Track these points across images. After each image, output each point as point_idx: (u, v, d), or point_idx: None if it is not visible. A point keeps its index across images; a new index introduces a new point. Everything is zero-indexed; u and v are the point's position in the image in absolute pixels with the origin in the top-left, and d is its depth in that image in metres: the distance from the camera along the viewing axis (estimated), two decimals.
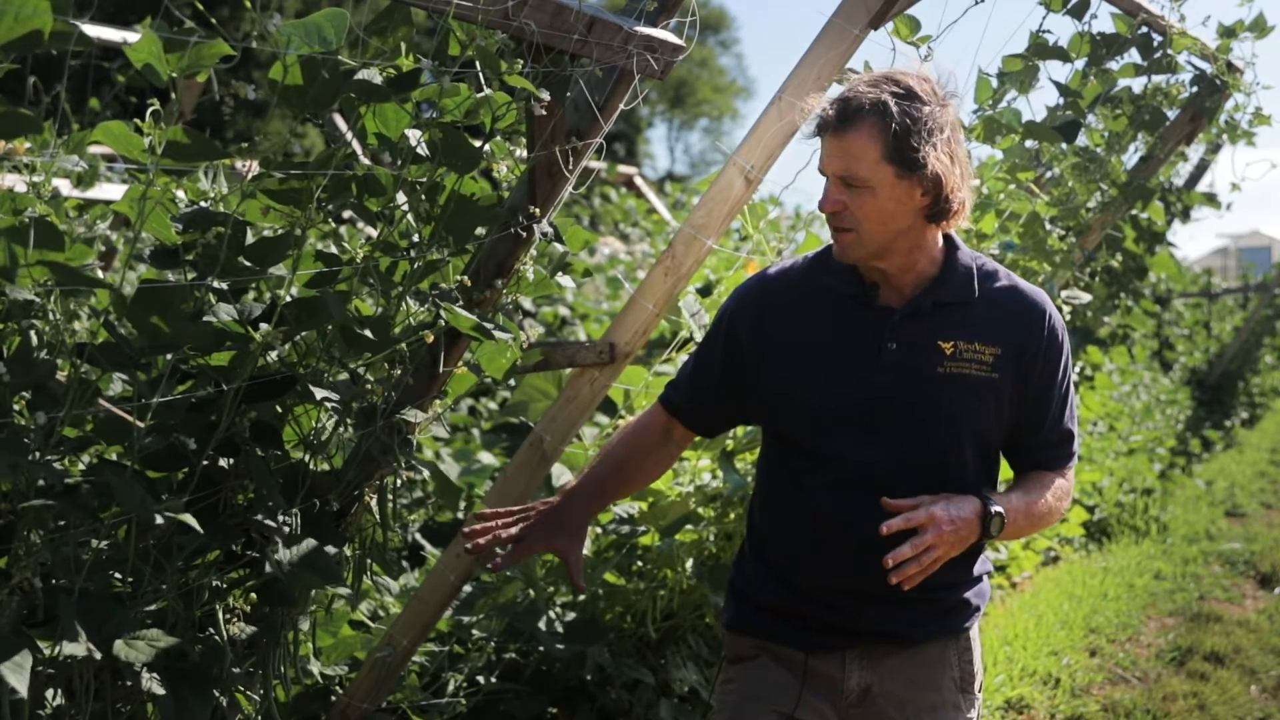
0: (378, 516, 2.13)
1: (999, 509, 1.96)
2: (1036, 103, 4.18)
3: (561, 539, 2.08)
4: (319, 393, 1.89)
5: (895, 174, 1.92)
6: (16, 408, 1.65)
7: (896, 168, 1.91)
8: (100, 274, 2.90)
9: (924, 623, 2.06)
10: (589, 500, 2.16)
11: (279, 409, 1.96)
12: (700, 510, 3.33)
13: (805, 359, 2.05)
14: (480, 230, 2.09)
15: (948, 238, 2.06)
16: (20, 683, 1.43)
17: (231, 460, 1.89)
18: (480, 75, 1.90)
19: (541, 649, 3.18)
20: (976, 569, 2.12)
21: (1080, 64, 3.96)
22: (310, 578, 1.88)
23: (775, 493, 2.14)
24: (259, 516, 1.87)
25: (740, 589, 2.19)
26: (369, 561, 2.16)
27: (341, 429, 2.03)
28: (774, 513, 2.15)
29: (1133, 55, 4.08)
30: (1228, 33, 4.31)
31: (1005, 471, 2.16)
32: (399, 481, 2.13)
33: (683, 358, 3.21)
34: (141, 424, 1.69)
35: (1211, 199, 6.01)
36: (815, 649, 2.09)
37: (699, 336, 3.01)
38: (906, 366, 2.01)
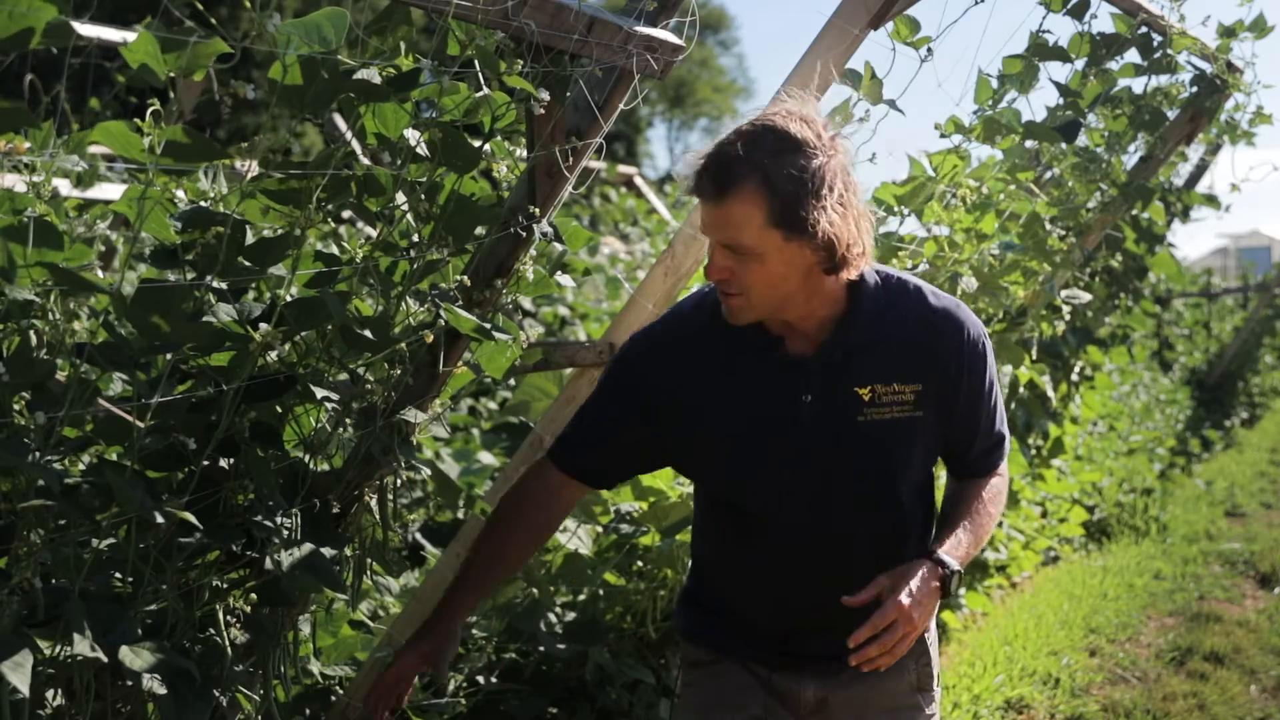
0: (378, 516, 2.13)
1: (956, 566, 1.89)
2: (1036, 103, 4.18)
3: (425, 646, 2.05)
4: (319, 393, 1.88)
5: (783, 238, 1.77)
6: (16, 408, 1.65)
7: (784, 232, 1.76)
8: (100, 274, 2.90)
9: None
10: (464, 606, 2.11)
11: (279, 409, 1.96)
12: None
13: (720, 419, 1.96)
14: (480, 230, 2.09)
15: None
16: (22, 681, 1.43)
17: (231, 460, 1.89)
18: (480, 75, 1.90)
19: (542, 649, 3.18)
20: None
21: (1080, 64, 3.96)
22: (310, 579, 1.88)
23: (712, 538, 2.12)
24: (259, 517, 1.87)
25: (697, 597, 2.18)
26: (369, 561, 2.16)
27: (341, 429, 2.03)
28: (713, 557, 2.13)
29: (1133, 55, 4.09)
30: (1228, 33, 4.31)
31: None
32: (399, 481, 2.13)
33: None
34: (141, 424, 1.68)
35: (1211, 199, 6.02)
36: (774, 668, 2.09)
37: None
38: (826, 418, 1.92)
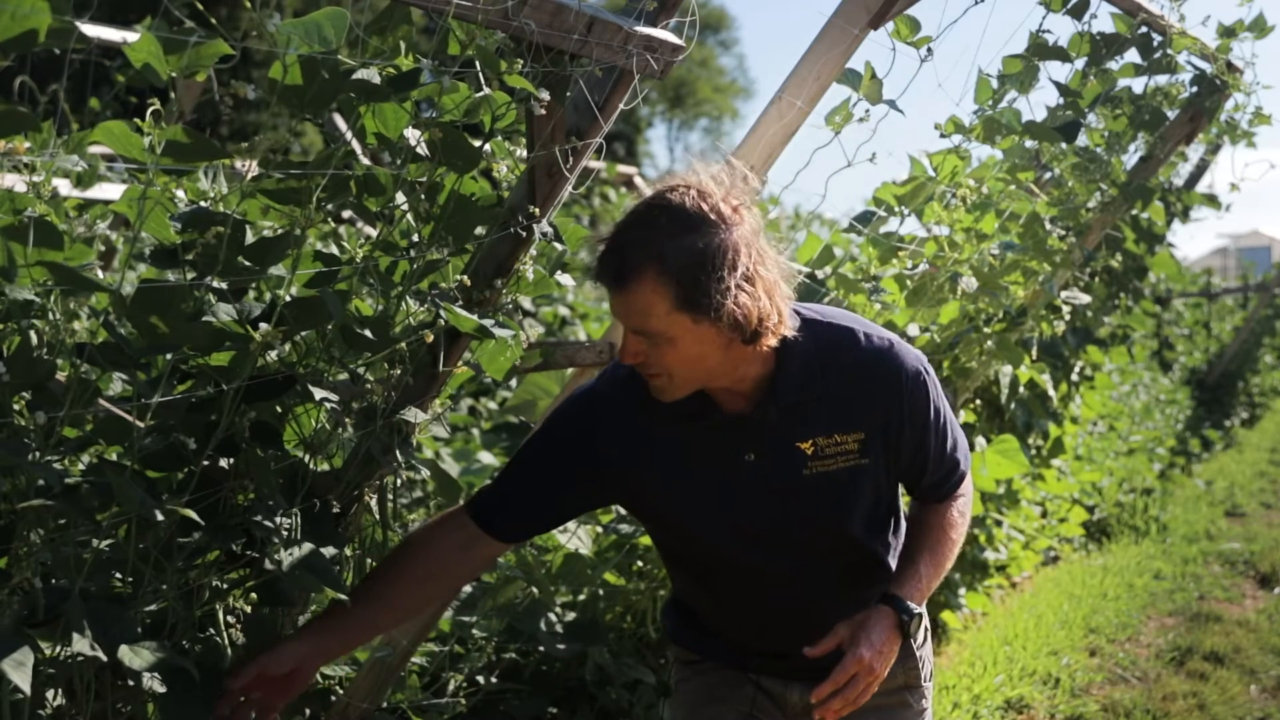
0: (377, 516, 2.13)
1: (916, 610, 1.88)
2: (1037, 103, 4.18)
3: (293, 689, 1.88)
4: (319, 393, 1.88)
5: (692, 320, 1.72)
6: (16, 408, 1.65)
7: (691, 314, 1.71)
8: (100, 274, 2.90)
9: None
10: (341, 640, 1.94)
11: (279, 409, 1.96)
12: None
13: (663, 479, 1.93)
14: (480, 230, 2.09)
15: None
16: (23, 680, 1.43)
17: (231, 460, 1.89)
18: (480, 75, 1.90)
19: (542, 649, 3.18)
20: None
21: (1080, 64, 3.96)
22: (310, 579, 1.88)
23: (680, 583, 2.16)
24: (259, 517, 1.87)
25: (679, 606, 2.20)
26: (369, 561, 2.16)
27: (341, 429, 2.03)
28: (683, 589, 2.16)
29: (1133, 55, 4.09)
30: (1228, 33, 4.31)
31: None
32: (399, 481, 2.13)
33: None
34: (141, 424, 1.68)
35: (1211, 199, 6.02)
36: (760, 671, 2.12)
37: None
38: (769, 476, 1.89)
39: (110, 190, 4.38)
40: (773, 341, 1.80)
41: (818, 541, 1.95)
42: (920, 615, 1.90)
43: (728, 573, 2.01)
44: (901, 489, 2.09)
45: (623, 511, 3.33)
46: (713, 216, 1.72)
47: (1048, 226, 3.98)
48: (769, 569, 1.97)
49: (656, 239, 1.71)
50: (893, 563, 2.04)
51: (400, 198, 1.98)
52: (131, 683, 1.73)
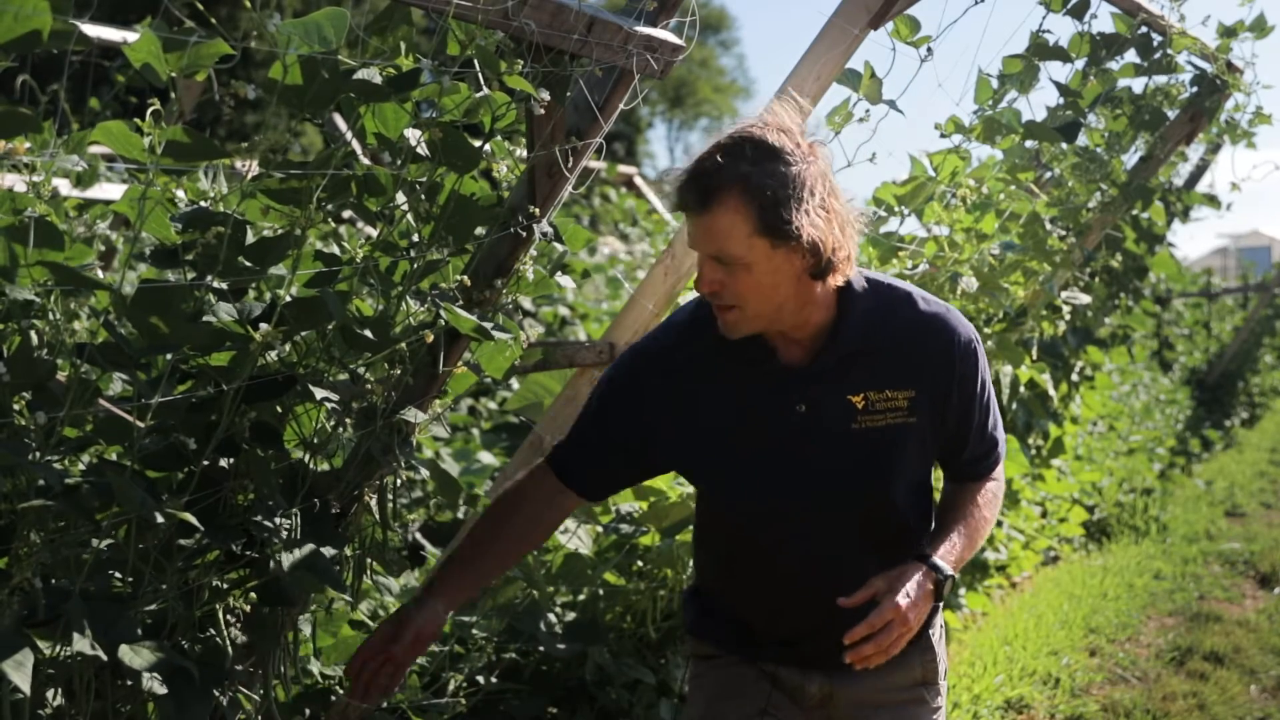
0: (378, 516, 2.13)
1: (950, 572, 1.91)
2: (1037, 103, 4.18)
3: (424, 646, 2.00)
4: (319, 393, 1.88)
5: (770, 245, 1.79)
6: (16, 408, 1.65)
7: (770, 239, 1.78)
8: (100, 274, 2.90)
9: None
10: (462, 593, 2.07)
11: (279, 409, 1.96)
12: None
13: (714, 431, 1.96)
14: (480, 230, 2.09)
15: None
16: (23, 680, 1.43)
17: (232, 460, 1.89)
18: (480, 75, 1.90)
19: (542, 649, 3.18)
20: None
21: (1080, 64, 3.96)
22: (310, 579, 1.88)
23: (710, 545, 2.14)
24: (259, 517, 1.87)
25: (699, 598, 2.20)
26: (369, 561, 2.16)
27: (341, 429, 2.03)
28: (712, 564, 2.15)
29: (1132, 55, 4.09)
30: (1228, 33, 4.31)
31: None
32: (399, 481, 2.13)
33: None
34: (141, 424, 1.69)
35: (1211, 199, 6.02)
36: (779, 662, 2.11)
37: None
38: (819, 428, 1.92)
39: (110, 190, 4.38)
40: (841, 279, 1.88)
41: (858, 501, 1.97)
42: (954, 579, 1.93)
43: (762, 531, 2.00)
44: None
45: (623, 511, 3.33)
46: (792, 149, 1.80)
47: (1048, 226, 3.98)
48: (805, 531, 1.97)
49: (741, 165, 1.77)
50: (920, 534, 2.05)
51: (400, 198, 1.98)
52: (131, 683, 1.74)
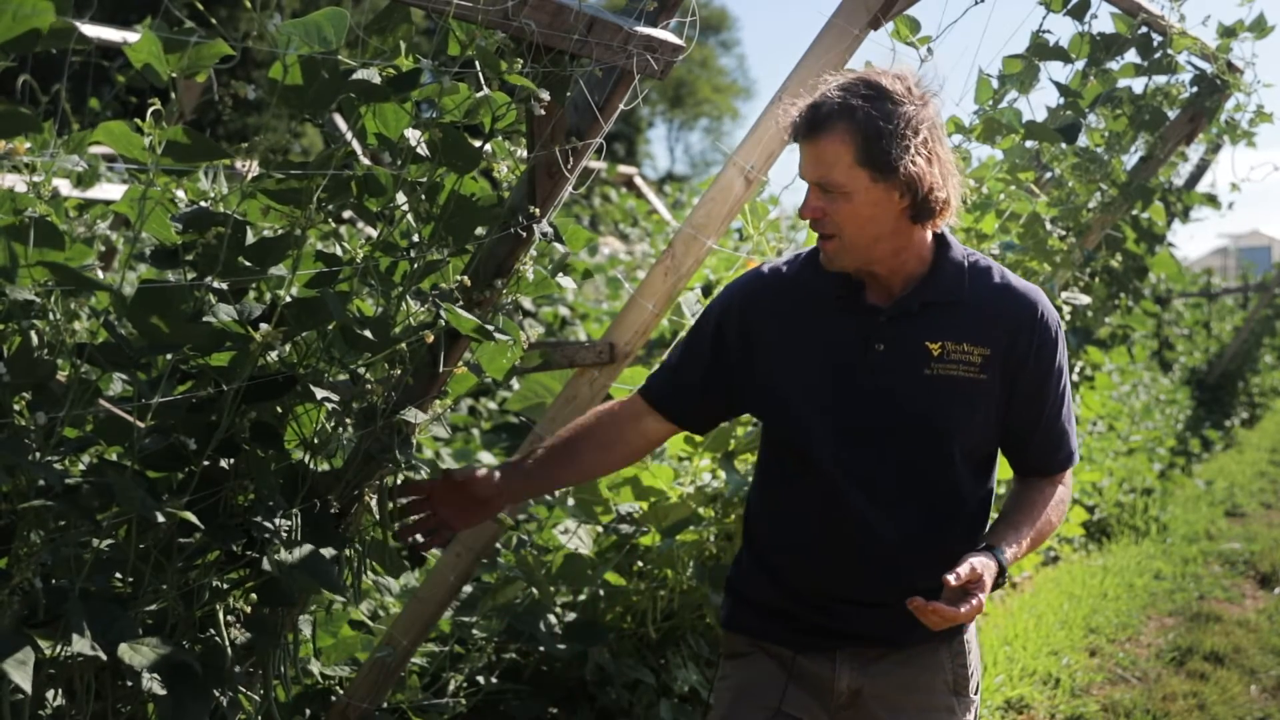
0: (377, 516, 2.13)
1: (1009, 572, 1.95)
2: (1037, 103, 4.18)
3: (474, 513, 2.11)
4: (319, 393, 1.88)
5: (870, 178, 1.88)
6: (16, 408, 1.65)
7: (871, 171, 1.88)
8: (100, 274, 2.90)
9: (913, 627, 1.98)
10: (527, 482, 2.17)
11: (279, 409, 1.96)
12: (701, 511, 3.33)
13: (792, 360, 2.03)
14: (480, 230, 2.09)
15: (939, 235, 2.02)
16: (24, 680, 1.43)
17: (232, 460, 1.89)
18: (480, 75, 1.90)
19: (542, 649, 3.18)
20: None
21: (1080, 64, 3.96)
22: (309, 580, 1.88)
23: (767, 491, 2.14)
24: (259, 517, 1.87)
25: (736, 586, 2.19)
26: (369, 561, 2.16)
27: (342, 429, 2.03)
28: (765, 511, 2.15)
29: (1133, 55, 4.09)
30: (1228, 33, 4.31)
31: (1004, 469, 2.15)
32: (399, 481, 2.13)
33: None
34: (142, 424, 1.69)
35: (1211, 199, 6.02)
36: (804, 648, 2.09)
37: None
38: (893, 368, 1.98)
39: (110, 190, 4.38)
40: (939, 224, 1.98)
41: (919, 447, 1.99)
42: (1009, 578, 1.96)
43: (825, 470, 2.01)
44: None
45: (623, 511, 3.33)
46: (904, 93, 1.90)
47: (1048, 227, 3.98)
48: (868, 470, 1.99)
49: (852, 99, 1.88)
50: (973, 523, 2.06)
51: (400, 198, 1.98)
52: (131, 683, 1.73)
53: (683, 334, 2.20)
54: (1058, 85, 3.94)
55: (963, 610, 1.83)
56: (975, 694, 2.14)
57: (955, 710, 2.09)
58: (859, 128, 1.86)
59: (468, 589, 3.13)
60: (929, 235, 2.00)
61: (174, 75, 1.66)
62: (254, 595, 1.96)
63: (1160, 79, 4.24)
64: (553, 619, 3.21)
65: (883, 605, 2.01)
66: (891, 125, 1.86)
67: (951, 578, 1.83)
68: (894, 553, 1.99)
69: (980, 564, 1.88)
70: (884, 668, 2.06)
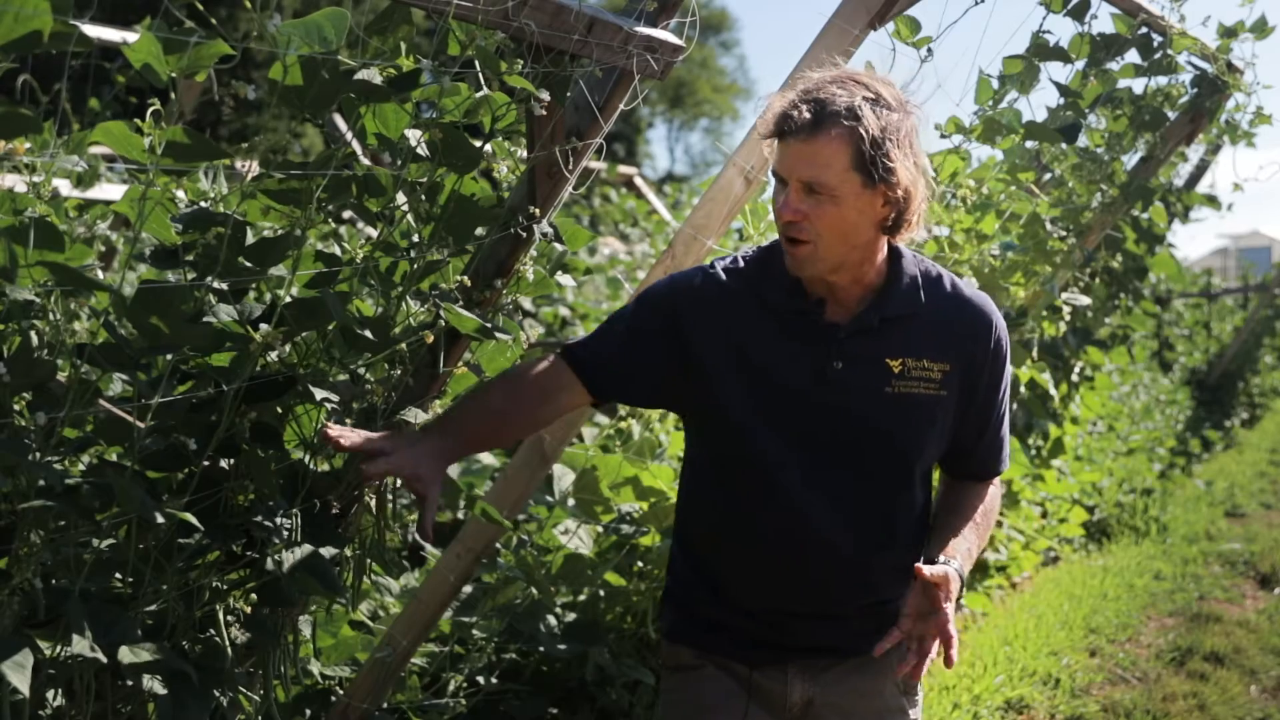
0: (377, 517, 2.13)
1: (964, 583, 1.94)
2: (1037, 103, 4.17)
3: (424, 472, 1.85)
4: (319, 393, 1.88)
5: (862, 183, 1.82)
6: (16, 408, 1.65)
7: (864, 177, 1.82)
8: (100, 274, 2.90)
9: (866, 636, 1.97)
10: (456, 445, 1.95)
11: (279, 409, 1.96)
12: None
13: (746, 372, 1.95)
14: (480, 230, 2.09)
15: (892, 246, 1.97)
16: (22, 681, 1.43)
17: (232, 461, 1.89)
18: (480, 75, 1.90)
19: (542, 649, 3.18)
20: None
21: (1080, 65, 3.96)
22: (310, 580, 1.88)
23: (709, 506, 2.06)
24: (259, 517, 1.87)
25: (676, 596, 2.13)
26: (369, 562, 2.16)
27: None
28: (707, 527, 2.07)
29: (1133, 56, 4.08)
30: (1228, 33, 4.31)
31: None
32: (399, 482, 2.13)
33: None
34: (142, 424, 1.69)
35: (1212, 199, 6.02)
36: (757, 663, 2.05)
37: None
38: (853, 386, 1.93)
39: (110, 190, 4.38)
40: (906, 237, 1.93)
41: (875, 464, 1.96)
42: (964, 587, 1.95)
43: (776, 486, 1.96)
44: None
45: (623, 510, 3.33)
46: (893, 99, 1.86)
47: (1048, 227, 3.98)
48: (817, 487, 1.95)
49: (855, 100, 1.82)
50: (919, 528, 2.05)
51: (401, 198, 1.98)
52: (131, 683, 1.73)
53: (619, 309, 2.06)
54: (1058, 86, 3.94)
55: (939, 650, 1.84)
56: (920, 688, 2.15)
57: (905, 709, 2.10)
58: (861, 133, 1.80)
59: (468, 589, 3.13)
60: (885, 245, 1.95)
61: (174, 75, 1.66)
62: (254, 595, 1.96)
63: (1160, 79, 4.23)
64: (553, 619, 3.21)
65: (838, 617, 1.99)
66: (890, 134, 1.82)
67: (927, 571, 1.82)
68: (853, 567, 1.96)
69: (950, 574, 1.86)
70: (835, 675, 2.04)
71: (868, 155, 1.80)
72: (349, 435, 1.84)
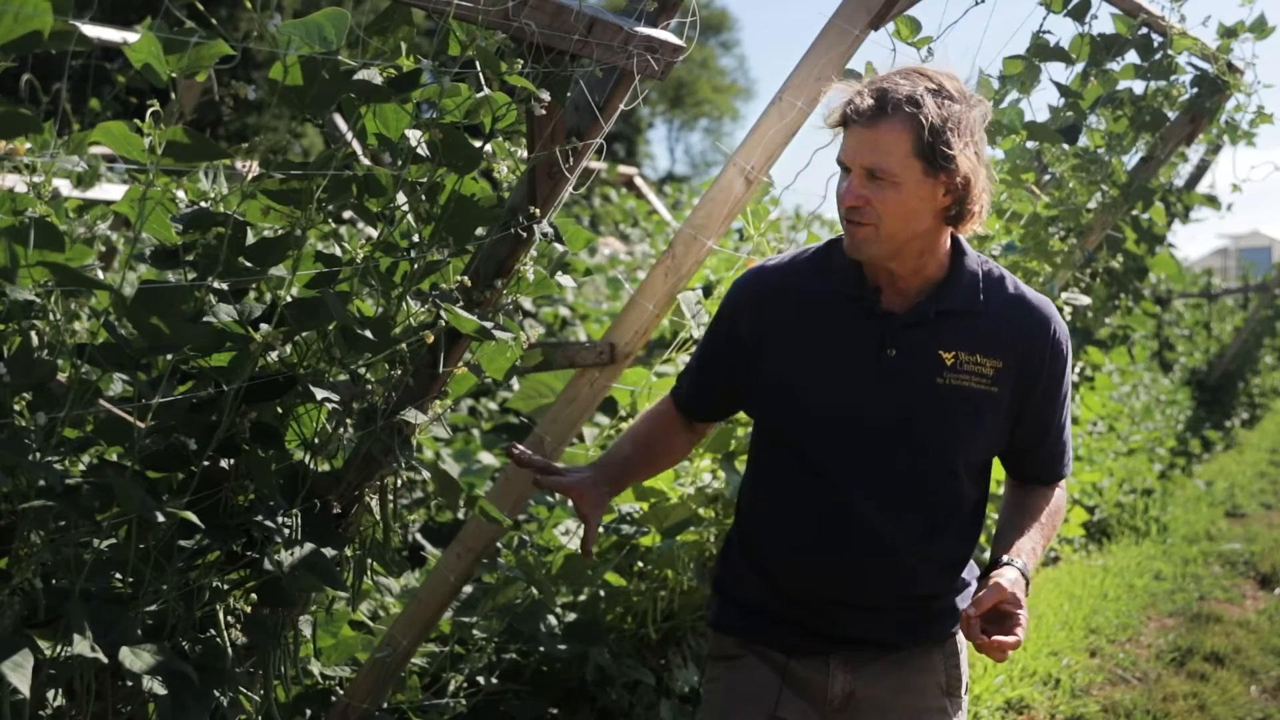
0: (378, 517, 2.13)
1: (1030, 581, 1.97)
2: (1038, 103, 4.18)
3: (592, 499, 2.05)
4: (319, 393, 1.88)
5: (923, 170, 1.87)
6: (17, 408, 1.65)
7: (925, 164, 1.86)
8: (100, 274, 2.90)
9: (909, 630, 2.02)
10: (621, 476, 2.15)
11: (279, 409, 1.96)
12: (701, 511, 3.33)
13: (803, 360, 2.01)
14: (480, 230, 2.09)
15: (955, 241, 2.01)
16: (22, 682, 1.43)
17: (232, 461, 1.89)
18: (480, 75, 1.90)
19: (542, 650, 3.18)
20: (964, 574, 2.10)
21: (1081, 65, 3.96)
22: (310, 579, 1.88)
23: (763, 491, 2.11)
24: (259, 517, 1.87)
25: (725, 586, 2.16)
26: (369, 562, 2.16)
27: (342, 429, 2.03)
28: (760, 512, 2.11)
29: (1133, 56, 4.08)
30: (1228, 33, 4.31)
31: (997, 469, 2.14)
32: (399, 482, 2.13)
33: (683, 358, 3.21)
34: (142, 424, 1.69)
35: (1212, 200, 6.01)
36: (797, 652, 2.07)
37: (699, 335, 3.01)
38: (905, 375, 1.96)
39: (111, 191, 4.38)
40: (968, 230, 1.96)
41: (924, 455, 1.98)
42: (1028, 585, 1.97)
43: (827, 473, 1.99)
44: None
45: (623, 511, 3.33)
46: (958, 91, 1.91)
47: (1049, 228, 3.98)
48: (870, 475, 1.98)
49: (918, 89, 1.87)
50: (970, 527, 2.07)
51: (401, 198, 1.98)
52: (131, 683, 1.73)
53: (700, 337, 2.18)
54: (1058, 86, 3.94)
55: (1017, 636, 1.84)
56: (965, 694, 2.14)
57: (948, 711, 2.09)
58: (923, 121, 1.85)
59: (468, 589, 3.13)
60: (948, 240, 1.99)
61: (174, 75, 1.66)
62: (254, 595, 1.96)
63: (1161, 80, 4.23)
64: (553, 619, 3.21)
65: (880, 609, 2.01)
66: (951, 121, 1.86)
67: (971, 610, 1.84)
68: (897, 557, 1.98)
69: (1009, 582, 1.88)
70: (877, 670, 2.05)
71: (928, 143, 1.85)
72: (532, 456, 2.04)
